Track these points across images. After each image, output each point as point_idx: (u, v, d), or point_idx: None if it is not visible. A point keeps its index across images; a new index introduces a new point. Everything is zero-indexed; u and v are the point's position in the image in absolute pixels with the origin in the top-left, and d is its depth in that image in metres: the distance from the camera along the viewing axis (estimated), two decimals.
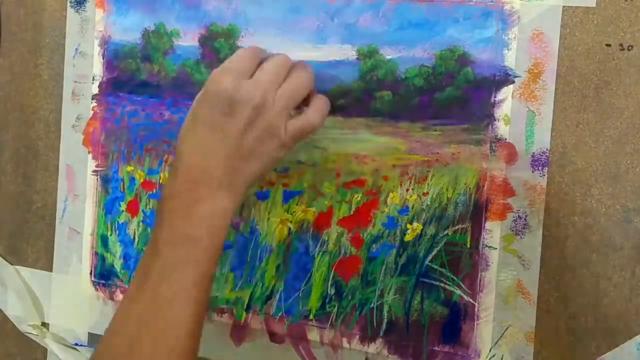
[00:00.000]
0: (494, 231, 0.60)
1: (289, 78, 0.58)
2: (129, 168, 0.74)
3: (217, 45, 0.69)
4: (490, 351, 0.61)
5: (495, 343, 0.61)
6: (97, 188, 0.76)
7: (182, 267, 0.54)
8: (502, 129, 0.60)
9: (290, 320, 0.68)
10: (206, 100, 0.56)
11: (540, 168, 0.59)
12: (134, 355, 0.54)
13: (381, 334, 0.65)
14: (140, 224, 0.73)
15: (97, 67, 0.75)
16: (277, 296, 0.68)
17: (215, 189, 0.55)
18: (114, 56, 0.74)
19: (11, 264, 0.81)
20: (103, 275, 0.76)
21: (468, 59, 0.60)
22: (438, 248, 0.62)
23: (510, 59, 0.59)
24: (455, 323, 0.62)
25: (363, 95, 0.64)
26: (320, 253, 0.66)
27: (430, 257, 0.63)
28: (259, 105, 0.55)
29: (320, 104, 0.60)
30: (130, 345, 0.54)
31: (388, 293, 0.64)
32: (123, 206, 0.74)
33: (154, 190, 0.73)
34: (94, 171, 0.76)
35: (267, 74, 0.57)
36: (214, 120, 0.56)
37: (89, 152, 0.76)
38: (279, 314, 0.68)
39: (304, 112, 0.59)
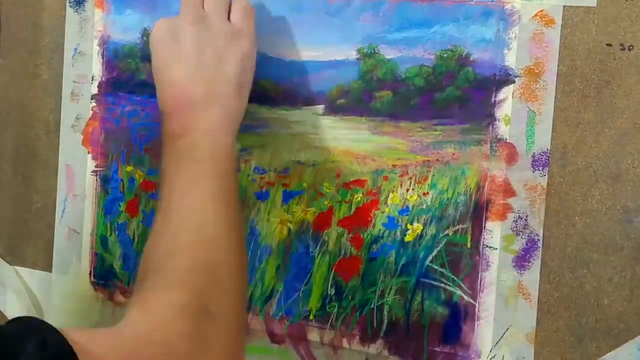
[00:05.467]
0: (494, 231, 0.60)
1: None
2: (129, 168, 0.74)
3: None
4: (490, 352, 0.61)
5: (496, 344, 0.61)
6: (96, 188, 0.75)
7: (192, 175, 0.56)
8: (503, 129, 0.60)
9: (290, 320, 0.68)
10: (154, 48, 0.60)
11: (540, 168, 0.59)
12: (168, 265, 0.54)
13: (381, 335, 0.65)
14: (140, 224, 0.73)
15: (97, 67, 0.74)
16: (277, 296, 0.68)
17: (202, 107, 0.58)
18: (113, 56, 0.74)
19: (11, 265, 0.81)
20: (102, 276, 0.76)
21: (468, 58, 0.60)
22: (438, 248, 0.62)
23: (511, 59, 0.59)
24: (455, 323, 0.62)
25: (363, 95, 0.64)
26: (320, 253, 0.66)
27: (430, 258, 0.62)
28: (194, 17, 0.59)
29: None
30: (165, 257, 0.55)
31: (388, 293, 0.64)
32: (122, 206, 0.74)
33: (154, 191, 0.73)
34: (93, 171, 0.75)
35: (187, 1, 0.60)
36: (169, 55, 0.59)
37: (88, 152, 0.76)
38: (279, 315, 0.68)
39: (231, 5, 0.62)
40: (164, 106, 0.60)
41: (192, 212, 0.55)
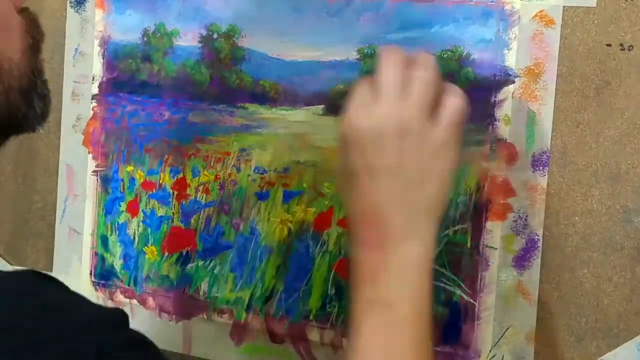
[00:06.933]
0: (494, 231, 0.60)
1: (411, 79, 0.50)
2: (129, 168, 0.74)
3: (217, 45, 0.69)
4: (490, 351, 0.61)
5: (496, 343, 0.61)
6: (97, 188, 0.75)
7: (386, 340, 0.48)
8: (503, 129, 0.60)
9: (291, 320, 0.68)
10: (348, 148, 0.50)
11: (540, 168, 0.59)
12: None
13: None
14: (140, 224, 0.73)
15: (97, 67, 0.74)
16: (277, 296, 0.68)
17: (399, 240, 0.49)
18: (113, 56, 0.74)
19: (11, 264, 0.81)
20: (103, 276, 0.76)
21: (468, 58, 0.60)
22: (439, 248, 0.62)
23: (511, 59, 0.59)
24: (455, 323, 0.62)
25: None
26: (321, 253, 0.66)
27: None
28: (400, 126, 0.49)
29: (450, 87, 0.51)
30: None
31: None
32: (123, 206, 0.74)
33: (154, 190, 0.73)
34: (94, 171, 0.76)
35: (387, 86, 0.50)
36: (366, 166, 0.49)
37: (89, 152, 0.76)
38: (279, 314, 0.68)
39: (441, 102, 0.50)
40: (353, 218, 0.50)
41: None
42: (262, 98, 0.67)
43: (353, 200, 0.50)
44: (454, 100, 0.50)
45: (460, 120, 0.50)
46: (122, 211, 0.74)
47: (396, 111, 0.49)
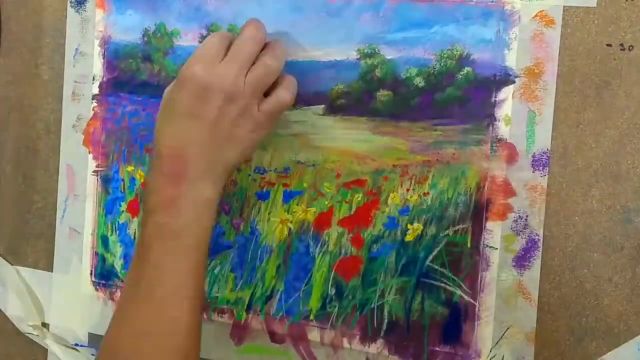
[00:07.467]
0: (494, 231, 0.60)
1: (259, 62, 0.58)
2: (130, 168, 0.74)
3: None
4: (490, 351, 0.61)
5: (496, 343, 0.61)
6: (97, 188, 0.76)
7: (172, 264, 0.56)
8: (503, 129, 0.60)
9: (291, 320, 0.68)
10: (180, 88, 0.57)
11: (540, 168, 0.59)
12: (137, 358, 0.56)
13: (382, 334, 0.65)
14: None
15: (98, 67, 0.75)
16: (278, 296, 0.68)
17: (196, 179, 0.57)
18: (114, 56, 0.74)
19: (11, 264, 0.81)
20: (103, 276, 0.76)
21: (468, 59, 0.60)
22: (439, 248, 0.62)
23: (511, 59, 0.59)
24: (455, 323, 0.62)
25: (363, 95, 0.64)
26: (321, 253, 0.66)
27: (430, 258, 0.62)
28: (230, 91, 0.57)
29: (289, 82, 0.61)
30: (133, 348, 0.56)
31: (389, 293, 0.64)
32: (123, 206, 0.74)
33: None
34: (94, 171, 0.76)
35: (237, 58, 0.58)
36: (189, 108, 0.57)
37: (89, 152, 0.76)
38: (279, 314, 0.68)
39: (275, 91, 0.60)
40: (161, 150, 0.58)
41: (166, 306, 0.56)
42: None
43: (167, 135, 0.58)
44: (284, 95, 0.60)
45: (281, 111, 0.61)
46: (123, 211, 0.74)
47: (233, 80, 0.57)
